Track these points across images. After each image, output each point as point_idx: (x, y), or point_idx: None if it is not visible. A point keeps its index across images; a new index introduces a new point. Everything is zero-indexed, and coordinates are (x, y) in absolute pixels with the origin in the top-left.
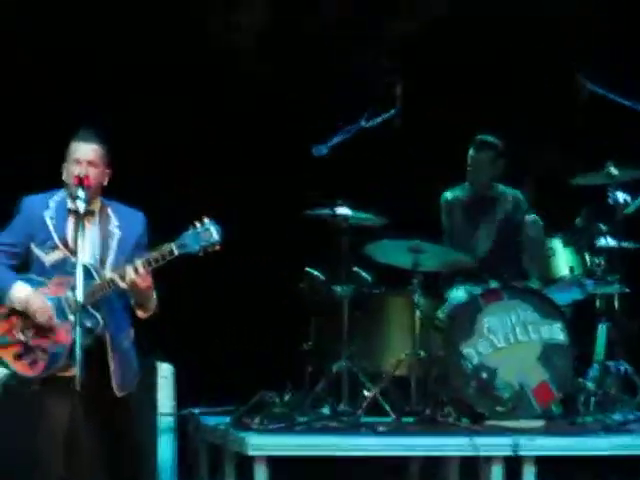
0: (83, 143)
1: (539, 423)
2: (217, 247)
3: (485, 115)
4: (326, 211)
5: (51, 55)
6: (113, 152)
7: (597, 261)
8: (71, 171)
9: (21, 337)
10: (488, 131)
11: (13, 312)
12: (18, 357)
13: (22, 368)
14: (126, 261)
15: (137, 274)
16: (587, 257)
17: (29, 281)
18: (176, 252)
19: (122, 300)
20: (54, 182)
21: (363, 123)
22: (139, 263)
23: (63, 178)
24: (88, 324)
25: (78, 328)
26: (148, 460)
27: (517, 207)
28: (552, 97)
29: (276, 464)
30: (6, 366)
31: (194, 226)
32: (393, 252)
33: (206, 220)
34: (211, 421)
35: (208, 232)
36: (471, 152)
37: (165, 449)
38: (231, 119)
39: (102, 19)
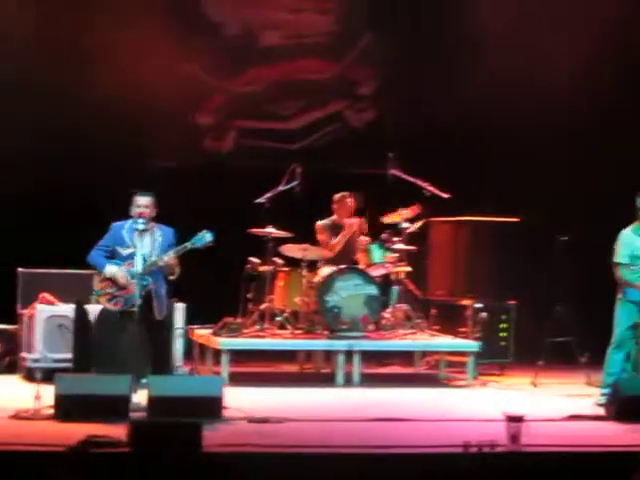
0: (141, 197)
1: (362, 334)
2: (211, 244)
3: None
4: (261, 229)
5: None
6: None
7: (394, 255)
8: (135, 211)
9: (110, 290)
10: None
11: (106, 279)
12: (108, 300)
13: (110, 306)
14: (163, 253)
15: (169, 258)
16: (388, 253)
17: (115, 263)
18: (189, 247)
19: (161, 271)
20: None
21: (282, 187)
22: (170, 253)
23: (132, 214)
24: (144, 283)
25: (138, 286)
26: (170, 352)
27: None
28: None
29: (233, 354)
30: (102, 304)
31: (198, 233)
32: (293, 250)
33: (205, 230)
34: (201, 332)
35: (206, 236)
36: (336, 200)
37: (178, 346)
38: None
39: None
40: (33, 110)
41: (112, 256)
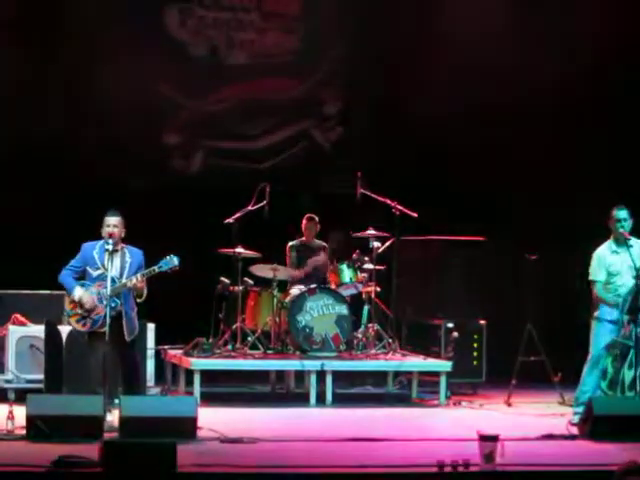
0: (111, 217)
1: (333, 354)
2: (177, 269)
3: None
4: (230, 249)
5: None
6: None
7: (363, 275)
8: (105, 231)
9: (79, 311)
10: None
11: (75, 301)
12: (77, 321)
13: (79, 326)
14: (132, 274)
15: (137, 281)
16: (358, 273)
17: (83, 285)
18: (157, 271)
19: (130, 293)
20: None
21: (250, 207)
22: (138, 276)
23: (102, 234)
24: (112, 305)
25: (108, 307)
26: (142, 372)
27: (326, 250)
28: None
29: (205, 374)
30: (71, 325)
31: (166, 257)
32: (263, 270)
33: (172, 254)
34: (172, 352)
35: (173, 260)
36: (304, 222)
37: (149, 366)
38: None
39: None
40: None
41: (83, 276)
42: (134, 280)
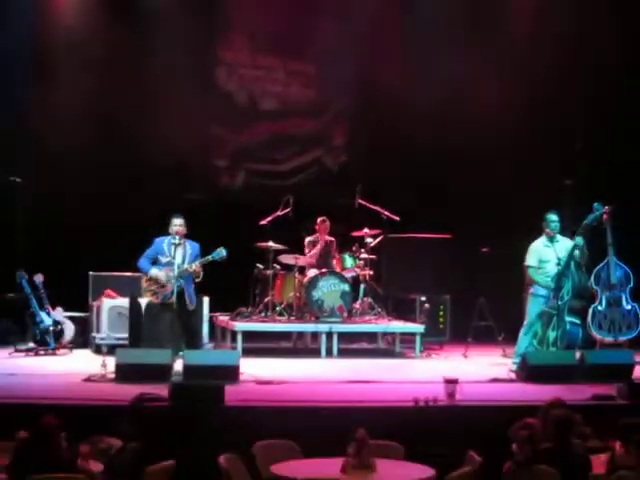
0: (177, 218)
1: (339, 320)
2: (225, 258)
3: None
4: (264, 243)
5: None
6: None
7: (360, 262)
8: (173, 229)
9: (152, 288)
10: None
11: (150, 279)
12: (152, 295)
13: (153, 299)
14: (192, 262)
15: (195, 267)
16: (357, 261)
17: (157, 268)
18: (210, 259)
19: (191, 275)
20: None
21: (279, 212)
22: (197, 263)
23: (170, 232)
24: (177, 284)
25: (175, 285)
26: (199, 332)
27: (333, 243)
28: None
29: (246, 334)
30: (147, 298)
31: (217, 248)
32: (288, 258)
33: (222, 247)
34: (221, 318)
35: (222, 252)
36: (318, 222)
37: (205, 328)
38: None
39: None
40: (112, 157)
41: (154, 262)
42: (194, 267)
